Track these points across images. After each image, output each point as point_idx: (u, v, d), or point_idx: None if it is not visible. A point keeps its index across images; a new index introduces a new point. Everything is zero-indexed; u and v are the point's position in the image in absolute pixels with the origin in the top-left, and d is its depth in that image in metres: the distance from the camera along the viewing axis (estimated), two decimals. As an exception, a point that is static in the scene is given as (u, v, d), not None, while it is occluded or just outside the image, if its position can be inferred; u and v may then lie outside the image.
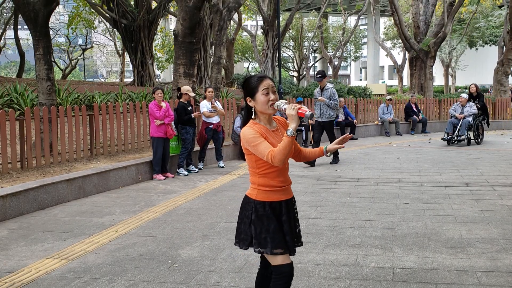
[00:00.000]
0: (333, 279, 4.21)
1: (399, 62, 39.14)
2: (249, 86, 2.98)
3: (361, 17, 41.36)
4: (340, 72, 49.82)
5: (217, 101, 10.65)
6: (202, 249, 5.07)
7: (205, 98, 10.44)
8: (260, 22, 30.35)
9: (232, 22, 30.61)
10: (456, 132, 13.82)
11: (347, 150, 13.11)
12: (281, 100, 2.91)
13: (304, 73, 41.19)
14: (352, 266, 4.50)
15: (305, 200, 7.22)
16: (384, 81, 55.18)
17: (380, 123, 17.75)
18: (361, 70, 75.34)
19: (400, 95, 25.52)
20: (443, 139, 13.93)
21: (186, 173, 9.62)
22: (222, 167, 10.45)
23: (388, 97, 19.05)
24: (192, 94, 10.00)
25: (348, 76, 75.95)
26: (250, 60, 46.51)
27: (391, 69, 66.04)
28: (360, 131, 16.90)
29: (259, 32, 35.38)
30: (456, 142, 13.83)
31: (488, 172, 9.23)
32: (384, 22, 48.86)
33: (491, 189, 7.68)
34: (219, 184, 8.57)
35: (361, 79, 70.70)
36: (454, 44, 36.00)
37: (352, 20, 47.45)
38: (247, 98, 2.99)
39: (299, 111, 2.80)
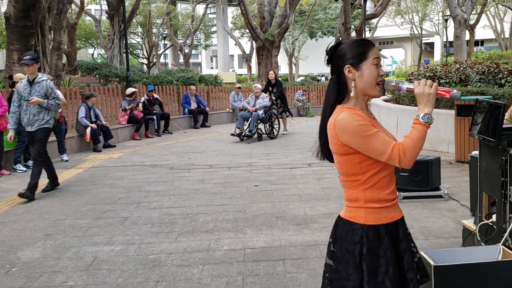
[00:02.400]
0: (186, 266, 4.19)
1: (248, 51, 40.30)
2: (351, 50, 2.08)
3: (209, 6, 41.72)
4: (191, 60, 49.84)
5: (57, 90, 9.95)
6: (45, 249, 4.71)
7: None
8: (105, 7, 29.05)
9: (73, 6, 28.86)
10: (246, 126, 12.24)
11: (201, 138, 13.19)
12: (391, 79, 2.17)
13: (155, 60, 40.46)
14: (205, 252, 4.53)
15: (158, 190, 7.10)
16: (234, 70, 56.44)
17: (231, 110, 18.13)
18: (212, 59, 76.16)
19: (249, 84, 26.31)
20: (232, 134, 12.20)
21: (24, 169, 8.86)
22: (66, 160, 9.81)
23: (238, 85, 19.54)
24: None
25: (199, 64, 76.30)
26: (95, 46, 44.34)
27: (241, 58, 67.77)
28: (213, 118, 17.12)
29: (104, 17, 33.86)
30: (245, 137, 12.11)
31: (328, 153, 9.90)
32: (232, 11, 49.87)
33: (331, 168, 8.27)
34: (63, 179, 8.04)
35: (212, 68, 71.50)
36: (296, 35, 38.01)
37: (201, 8, 47.63)
38: (347, 66, 2.07)
39: (439, 90, 2.05)
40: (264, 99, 12.46)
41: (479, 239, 3.63)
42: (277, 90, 13.09)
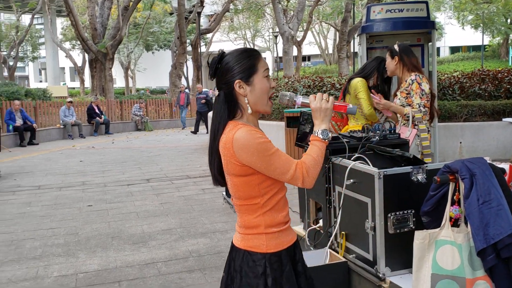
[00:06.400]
0: (10, 299, 3.79)
1: (80, 63, 38.43)
2: (240, 62, 1.87)
3: (36, 16, 38.98)
4: (17, 73, 45.93)
5: None
6: None
7: None
8: None
9: None
10: None
11: (28, 157, 12.13)
12: (285, 92, 2.03)
13: (-27, 74, 36.50)
14: (32, 280, 4.15)
15: (-25, 216, 6.36)
16: (65, 83, 53.37)
17: (62, 126, 17.06)
18: (40, 71, 71.17)
19: (82, 97, 25.05)
20: None
21: None
22: None
23: (69, 99, 18.48)
24: None
25: (27, 77, 70.75)
26: None
27: (73, 71, 64.42)
28: (41, 135, 15.89)
29: None
30: None
31: (167, 167, 9.83)
32: (62, 22, 47.15)
33: (170, 183, 8.19)
34: None
35: (41, 81, 66.75)
36: (132, 47, 37.31)
37: (26, 18, 44.22)
38: (237, 81, 1.87)
39: (336, 103, 1.97)
40: None
41: (308, 244, 3.83)
42: None
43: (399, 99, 4.30)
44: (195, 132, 17.03)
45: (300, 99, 2.01)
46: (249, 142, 1.79)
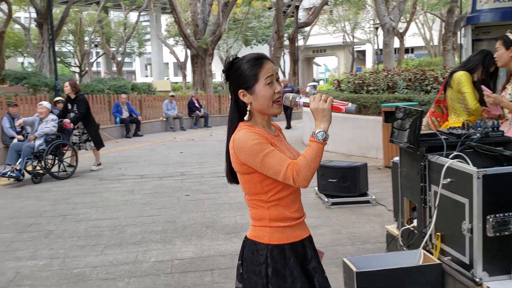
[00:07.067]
0: (112, 280, 4.07)
1: (182, 59, 39.99)
2: (243, 73, 1.99)
3: (142, 13, 41.13)
4: (125, 68, 48.74)
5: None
6: (-42, 268, 4.41)
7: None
8: (34, 14, 27.94)
9: (1, 14, 27.58)
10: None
11: (133, 148, 12.90)
12: (288, 93, 2.10)
13: (86, 68, 39.33)
14: (131, 264, 4.41)
15: (85, 202, 6.88)
16: (169, 78, 55.85)
17: (165, 119, 17.89)
18: (146, 67, 75.04)
19: (184, 92, 26.09)
20: (2, 175, 8.17)
21: None
22: None
23: (171, 94, 19.33)
24: None
25: (133, 72, 74.98)
26: (25, 55, 42.61)
27: (176, 66, 67.19)
28: (146, 127, 16.80)
29: (33, 24, 32.55)
30: (11, 178, 8.22)
31: (262, 160, 9.95)
32: (166, 19, 49.33)
33: (264, 176, 8.29)
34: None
35: (147, 76, 70.37)
36: (231, 43, 38.15)
37: (133, 16, 46.83)
38: (240, 91, 2.01)
39: (334, 103, 1.96)
40: (48, 123, 8.64)
41: (401, 244, 3.71)
42: (78, 109, 9.04)
43: (509, 94, 4.02)
44: (288, 127, 16.73)
45: (302, 100, 2.02)
46: (245, 143, 1.93)
